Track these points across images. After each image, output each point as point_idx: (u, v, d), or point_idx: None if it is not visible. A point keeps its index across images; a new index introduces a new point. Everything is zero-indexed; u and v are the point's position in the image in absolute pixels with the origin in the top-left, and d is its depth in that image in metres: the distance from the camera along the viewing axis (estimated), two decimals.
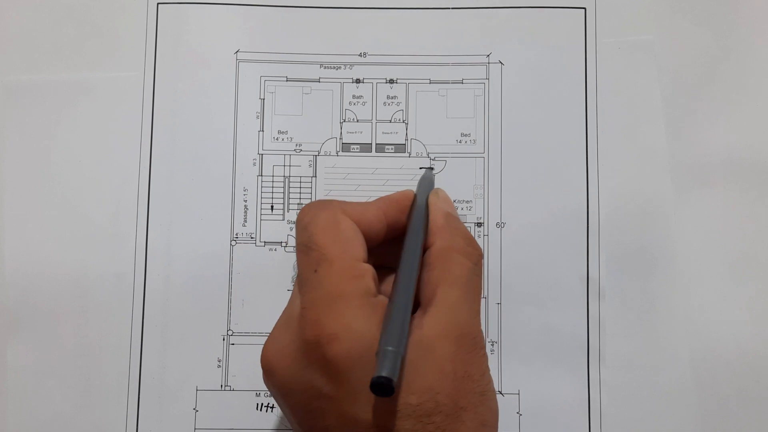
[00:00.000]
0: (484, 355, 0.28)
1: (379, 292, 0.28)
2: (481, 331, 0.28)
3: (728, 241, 0.37)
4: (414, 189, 0.33)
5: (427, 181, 0.34)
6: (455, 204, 0.37)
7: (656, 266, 0.37)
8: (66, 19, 0.39)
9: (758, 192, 0.37)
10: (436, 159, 0.38)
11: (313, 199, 0.38)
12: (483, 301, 0.37)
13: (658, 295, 0.37)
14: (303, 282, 0.28)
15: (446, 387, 0.26)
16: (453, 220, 0.31)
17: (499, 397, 0.36)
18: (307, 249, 0.28)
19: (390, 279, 0.31)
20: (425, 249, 0.30)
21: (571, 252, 0.37)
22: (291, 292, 0.37)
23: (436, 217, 0.31)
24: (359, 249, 0.28)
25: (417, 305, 0.28)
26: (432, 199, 0.32)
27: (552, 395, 0.36)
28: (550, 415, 0.36)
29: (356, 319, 0.26)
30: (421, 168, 0.38)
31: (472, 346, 0.27)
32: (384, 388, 0.24)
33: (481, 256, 0.30)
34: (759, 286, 0.37)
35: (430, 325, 0.27)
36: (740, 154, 0.38)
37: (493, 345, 0.36)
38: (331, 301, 0.26)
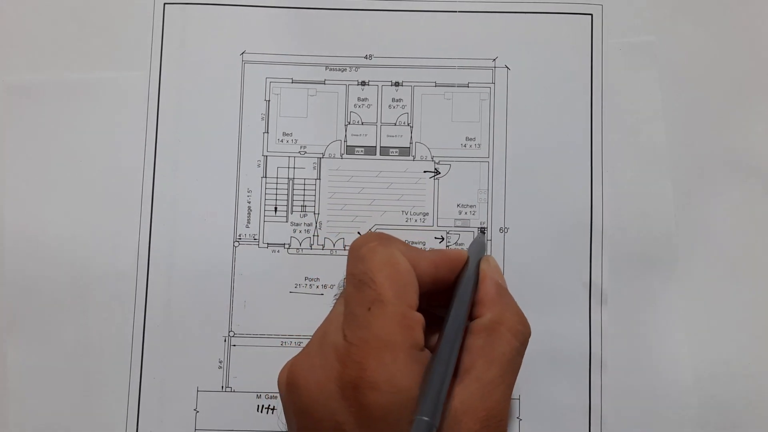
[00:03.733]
0: None
1: (425, 344, 0.28)
2: (508, 412, 0.28)
3: (730, 244, 0.37)
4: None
5: (478, 246, 0.33)
6: (459, 209, 0.37)
7: (658, 272, 0.37)
8: (71, 18, 0.38)
9: (759, 194, 0.38)
10: (441, 162, 0.38)
11: (317, 201, 0.37)
12: None
13: (660, 301, 0.37)
14: (353, 316, 0.27)
15: None
16: (505, 292, 0.30)
17: None
18: (360, 284, 0.27)
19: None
20: (473, 317, 0.29)
21: (574, 258, 0.37)
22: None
23: (488, 288, 0.30)
24: (414, 295, 0.27)
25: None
26: (484, 267, 0.31)
27: (553, 400, 0.36)
28: (550, 420, 0.36)
29: (399, 373, 0.25)
30: (478, 231, 0.37)
31: (496, 427, 0.27)
32: None
33: (529, 334, 0.29)
34: (760, 288, 0.37)
35: (462, 397, 0.27)
36: (742, 156, 0.38)
37: None
38: (379, 347, 0.26)
